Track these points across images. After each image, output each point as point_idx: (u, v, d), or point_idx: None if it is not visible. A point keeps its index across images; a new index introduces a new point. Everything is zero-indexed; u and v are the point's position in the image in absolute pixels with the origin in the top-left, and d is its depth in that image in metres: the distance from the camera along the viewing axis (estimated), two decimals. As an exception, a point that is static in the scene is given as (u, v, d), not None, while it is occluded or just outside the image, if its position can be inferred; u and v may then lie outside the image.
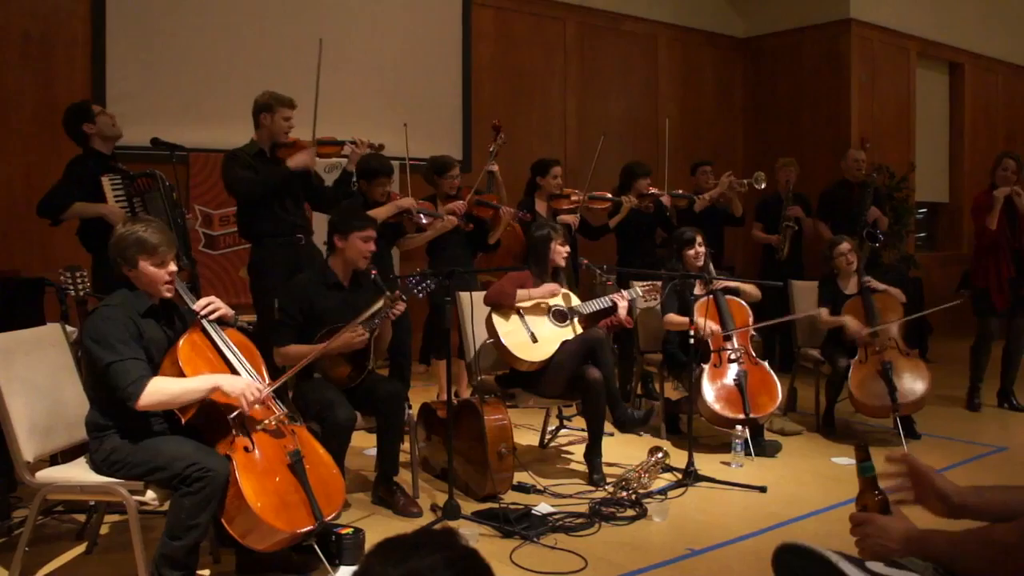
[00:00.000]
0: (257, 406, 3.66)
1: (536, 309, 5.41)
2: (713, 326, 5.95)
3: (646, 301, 5.73)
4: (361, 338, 4.54)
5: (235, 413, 3.51)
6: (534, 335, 5.30)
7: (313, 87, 5.72)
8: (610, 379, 5.30)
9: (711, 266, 6.29)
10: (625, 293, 5.58)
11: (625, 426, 5.38)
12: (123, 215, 5.41)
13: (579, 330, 5.44)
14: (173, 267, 3.67)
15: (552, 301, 5.48)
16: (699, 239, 6.19)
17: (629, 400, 6.76)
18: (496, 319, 5.29)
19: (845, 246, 6.48)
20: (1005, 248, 7.12)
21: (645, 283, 5.66)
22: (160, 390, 3.41)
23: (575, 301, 5.54)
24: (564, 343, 5.28)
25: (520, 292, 5.36)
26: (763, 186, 8.03)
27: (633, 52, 10.90)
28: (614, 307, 5.52)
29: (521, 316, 5.35)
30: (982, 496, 2.12)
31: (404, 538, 1.49)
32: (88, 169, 5.46)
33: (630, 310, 5.62)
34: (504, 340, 5.23)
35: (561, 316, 5.43)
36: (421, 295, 4.70)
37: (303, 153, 5.67)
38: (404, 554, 1.45)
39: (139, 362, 3.43)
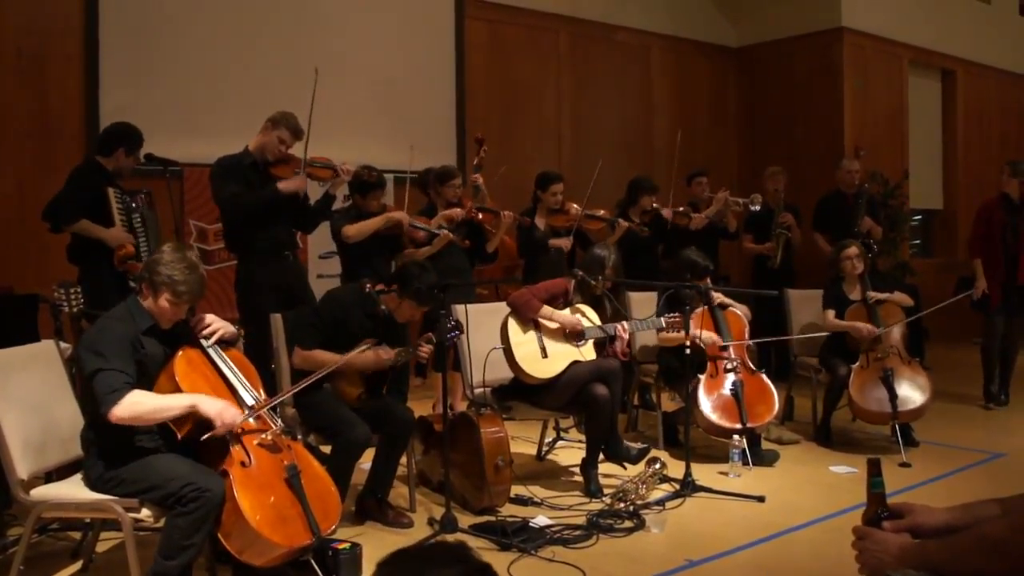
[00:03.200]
0: (252, 420, 3.65)
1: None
2: (712, 336, 5.94)
3: (669, 332, 5.68)
4: (389, 361, 4.60)
5: (208, 434, 3.44)
6: (545, 350, 5.26)
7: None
8: (616, 409, 5.29)
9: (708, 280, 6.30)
10: (627, 325, 5.49)
11: (618, 459, 5.36)
12: (124, 239, 5.42)
13: (592, 351, 5.38)
14: (183, 314, 3.69)
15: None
16: (710, 268, 6.20)
17: (626, 411, 6.75)
18: (512, 326, 5.27)
19: (853, 250, 6.52)
20: (1000, 254, 7.27)
21: (671, 315, 5.61)
22: (137, 403, 3.36)
23: (596, 320, 5.45)
24: (576, 364, 5.24)
25: (545, 309, 5.31)
26: (758, 208, 8.05)
27: (626, 62, 10.92)
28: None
29: (537, 328, 5.32)
30: (972, 512, 2.14)
31: (417, 550, 1.48)
32: (95, 180, 5.53)
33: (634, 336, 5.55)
34: (514, 350, 5.20)
35: (577, 335, 5.35)
36: (449, 344, 4.72)
37: (296, 180, 5.68)
38: (419, 567, 1.43)
39: (124, 375, 3.39)
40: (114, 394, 3.34)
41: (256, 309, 5.40)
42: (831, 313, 6.50)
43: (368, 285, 4.65)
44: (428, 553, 1.46)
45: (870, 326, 6.25)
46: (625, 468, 5.40)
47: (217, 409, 3.44)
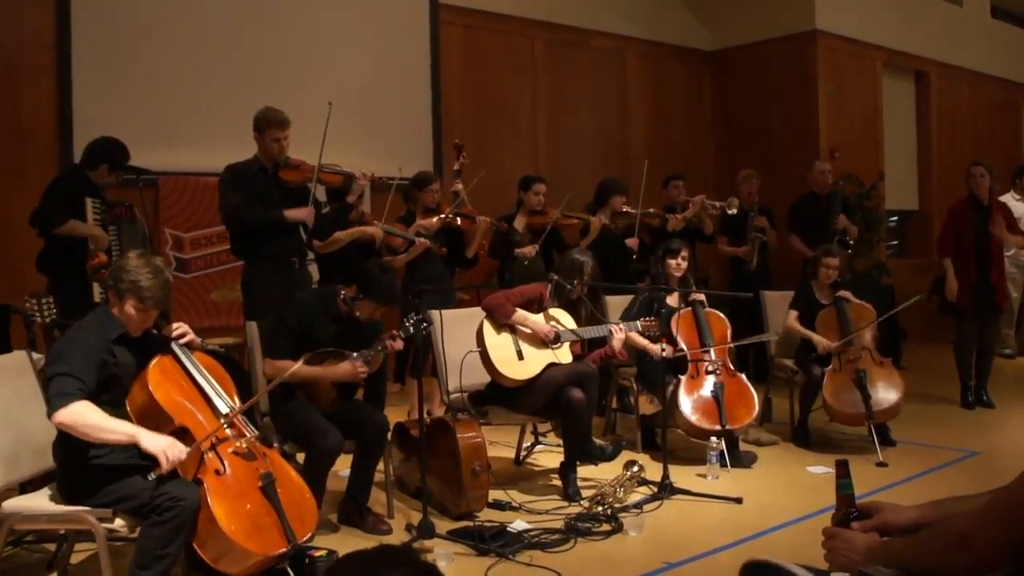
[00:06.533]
0: (228, 429, 3.64)
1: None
2: (668, 350, 5.89)
3: (644, 335, 5.68)
4: (363, 372, 4.57)
5: (155, 473, 3.37)
6: (521, 352, 5.26)
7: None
8: (591, 412, 5.29)
9: (690, 280, 6.32)
10: (623, 325, 5.52)
11: (592, 459, 5.37)
12: (108, 240, 5.44)
13: (568, 354, 5.37)
14: (151, 321, 3.66)
15: (548, 322, 5.40)
16: (684, 252, 6.23)
17: (604, 414, 6.76)
18: (487, 329, 5.26)
19: (834, 260, 6.57)
20: (971, 255, 7.34)
21: (647, 319, 5.62)
22: (80, 414, 3.31)
23: (570, 324, 5.45)
24: (552, 367, 5.24)
25: (518, 313, 5.30)
26: (734, 212, 8.09)
27: (602, 67, 10.94)
28: (606, 337, 5.48)
29: (512, 331, 5.32)
30: (941, 508, 2.16)
31: (363, 554, 1.51)
32: (76, 188, 5.54)
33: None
34: (490, 352, 5.19)
35: (553, 337, 5.36)
36: (419, 335, 4.68)
37: (304, 211, 5.69)
38: (363, 570, 1.46)
39: (79, 382, 3.36)
40: (63, 398, 3.31)
41: (261, 315, 5.37)
42: (794, 314, 6.58)
43: (344, 292, 4.63)
44: (373, 556, 1.49)
45: (825, 341, 6.31)
46: (597, 465, 5.43)
47: (160, 447, 3.35)
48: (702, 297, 6.22)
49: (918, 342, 10.11)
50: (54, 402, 3.32)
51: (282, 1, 8.45)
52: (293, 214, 5.65)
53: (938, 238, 7.86)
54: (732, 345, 6.19)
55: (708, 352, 6.00)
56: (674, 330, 5.96)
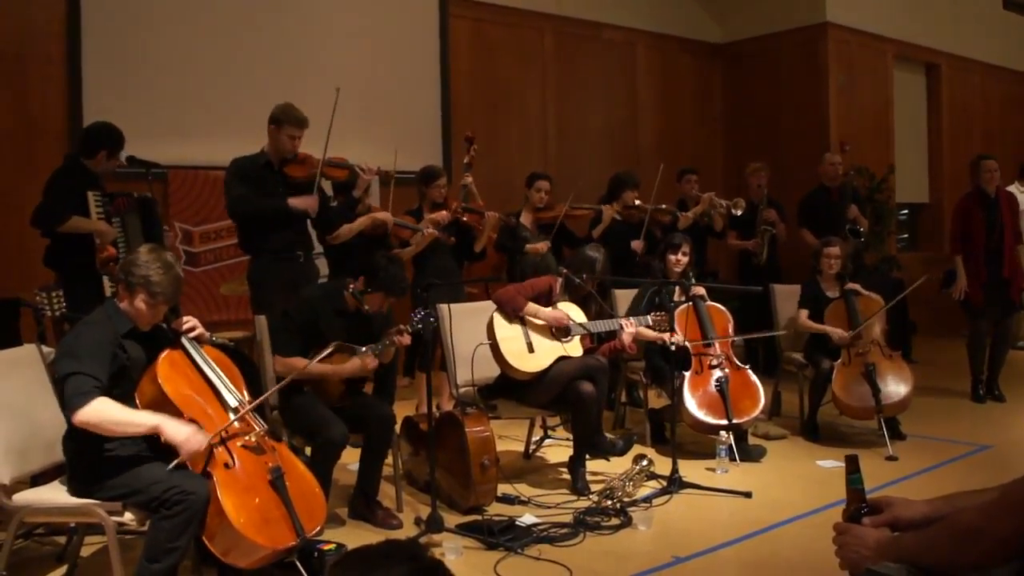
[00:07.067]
0: (237, 423, 3.64)
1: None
2: (683, 339, 5.90)
3: (655, 331, 5.68)
4: (373, 366, 4.57)
5: (175, 462, 3.38)
6: (531, 345, 5.26)
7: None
8: (601, 406, 5.29)
9: (691, 275, 6.31)
10: (633, 320, 5.52)
11: (604, 454, 5.36)
12: (114, 234, 5.42)
13: (578, 347, 5.37)
14: (160, 315, 3.66)
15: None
16: (685, 248, 6.22)
17: (613, 408, 6.76)
18: (498, 321, 5.26)
19: (835, 250, 6.55)
20: (981, 251, 7.29)
21: (657, 313, 5.61)
22: (102, 411, 3.32)
23: (580, 318, 5.44)
24: (562, 360, 5.24)
25: (530, 306, 5.30)
26: (740, 213, 8.07)
27: (611, 60, 10.92)
28: (617, 331, 5.48)
29: (523, 324, 5.31)
30: (952, 503, 2.15)
31: (370, 549, 1.51)
32: (76, 182, 5.50)
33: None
34: (501, 345, 5.19)
35: (563, 331, 5.34)
36: (421, 330, 4.68)
37: (308, 199, 5.69)
38: (370, 565, 1.46)
39: (95, 380, 3.36)
40: (82, 397, 3.31)
41: (267, 309, 5.37)
42: (805, 313, 6.55)
43: (351, 285, 4.63)
44: (380, 551, 1.49)
45: (840, 331, 6.28)
46: (609, 460, 5.43)
47: (184, 435, 3.36)
48: (702, 291, 6.20)
49: (928, 335, 10.08)
50: (73, 402, 3.32)
51: (291, -6, 8.46)
52: (297, 203, 5.65)
53: (950, 236, 7.79)
54: (734, 339, 6.18)
55: (711, 346, 5.99)
56: (676, 327, 5.94)
